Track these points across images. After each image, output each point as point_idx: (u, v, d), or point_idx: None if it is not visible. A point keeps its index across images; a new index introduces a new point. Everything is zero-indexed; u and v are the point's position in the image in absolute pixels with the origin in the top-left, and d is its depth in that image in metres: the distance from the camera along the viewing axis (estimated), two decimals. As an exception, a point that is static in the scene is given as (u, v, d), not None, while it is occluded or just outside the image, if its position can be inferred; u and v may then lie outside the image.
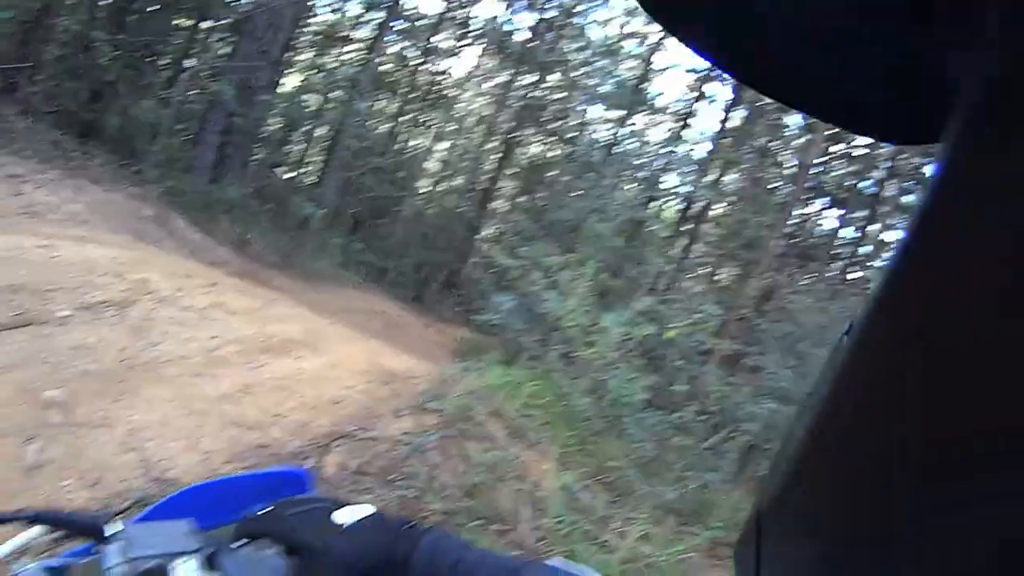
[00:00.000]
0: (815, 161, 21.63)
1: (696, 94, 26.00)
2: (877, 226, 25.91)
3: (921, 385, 0.34)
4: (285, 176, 24.88)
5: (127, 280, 7.66)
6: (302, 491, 1.40)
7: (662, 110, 27.32)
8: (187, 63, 17.76)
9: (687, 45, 0.56)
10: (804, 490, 0.46)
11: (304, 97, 25.29)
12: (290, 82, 24.65)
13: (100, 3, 15.05)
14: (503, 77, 28.32)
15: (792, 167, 24.31)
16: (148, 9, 16.73)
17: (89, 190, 12.09)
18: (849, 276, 23.07)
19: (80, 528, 1.11)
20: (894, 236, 27.28)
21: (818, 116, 0.57)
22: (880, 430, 0.38)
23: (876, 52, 0.47)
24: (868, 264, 24.68)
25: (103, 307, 6.71)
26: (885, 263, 0.40)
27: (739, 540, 0.58)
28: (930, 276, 0.36)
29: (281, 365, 7.42)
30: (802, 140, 25.11)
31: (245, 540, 1.17)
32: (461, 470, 6.61)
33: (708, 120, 26.02)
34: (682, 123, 25.96)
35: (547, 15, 26.79)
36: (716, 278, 25.08)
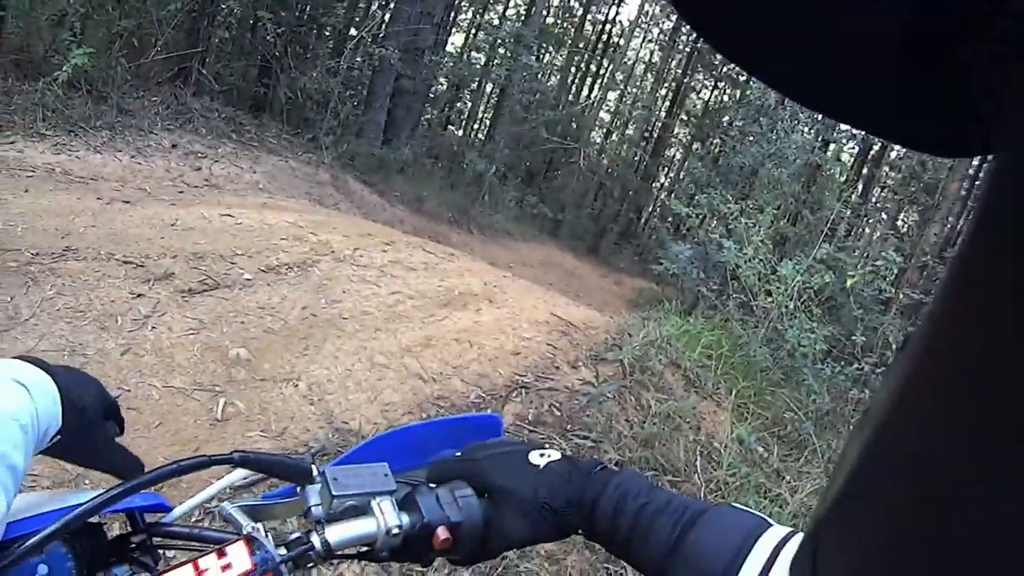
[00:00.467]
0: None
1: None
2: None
3: (995, 401, 0.33)
4: (457, 134, 25.17)
5: (306, 242, 7.93)
6: (495, 436, 1.43)
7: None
8: (352, 32, 18.11)
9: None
10: (860, 505, 0.44)
11: (471, 55, 25.51)
12: (455, 41, 24.90)
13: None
14: (670, 23, 27.80)
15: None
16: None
17: (265, 160, 12.55)
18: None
19: (284, 470, 1.17)
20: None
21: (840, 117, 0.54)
22: (945, 445, 0.37)
23: (919, 56, 0.45)
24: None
25: (285, 269, 6.98)
26: (942, 277, 0.38)
27: (794, 558, 0.56)
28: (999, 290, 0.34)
29: (460, 318, 7.52)
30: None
31: (438, 482, 1.21)
32: (637, 420, 6.57)
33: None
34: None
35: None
36: (897, 223, 24.09)
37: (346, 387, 5.38)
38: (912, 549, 0.38)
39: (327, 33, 18.22)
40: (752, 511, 1.11)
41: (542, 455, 1.24)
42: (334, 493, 1.13)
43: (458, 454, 1.25)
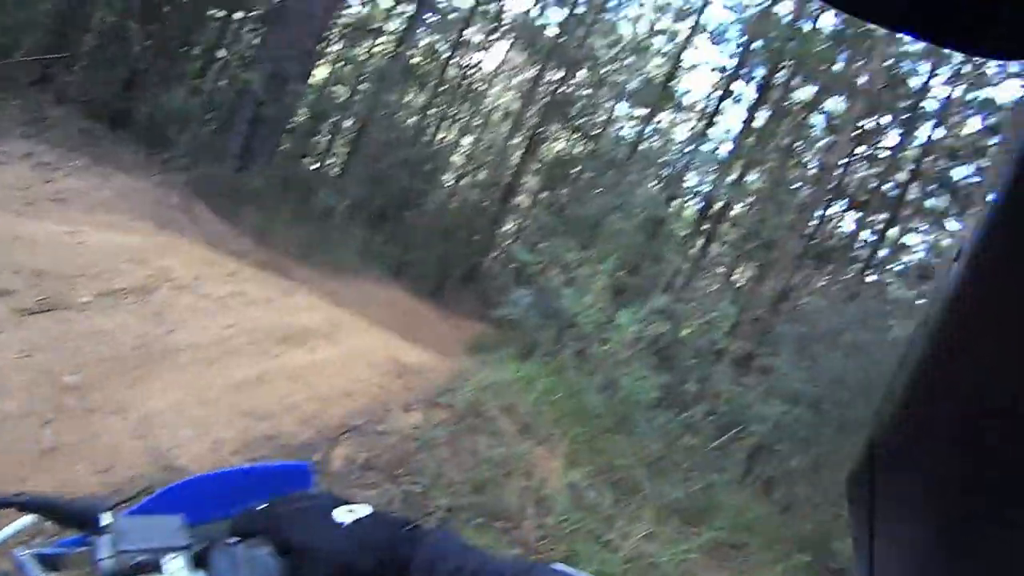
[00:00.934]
0: (839, 163, 21.56)
1: (722, 92, 25.97)
2: (896, 229, 25.71)
3: None
4: (311, 167, 24.99)
5: (149, 267, 7.79)
6: (304, 486, 1.39)
7: (688, 108, 27.32)
8: (219, 53, 17.91)
9: None
10: (920, 417, 0.47)
11: (333, 88, 25.42)
12: (320, 73, 24.76)
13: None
14: (531, 72, 28.34)
15: (815, 168, 24.23)
16: (182, 1, 16.87)
17: (117, 178, 12.23)
18: (867, 279, 22.89)
19: (72, 517, 1.11)
20: (914, 239, 27.13)
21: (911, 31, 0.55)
22: (1003, 353, 0.38)
23: None
24: (886, 267, 24.47)
25: (124, 294, 6.84)
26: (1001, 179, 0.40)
27: (851, 473, 0.59)
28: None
29: (296, 355, 7.51)
30: (826, 141, 25.07)
31: (239, 537, 1.15)
32: (469, 465, 6.66)
33: (732, 119, 26.04)
34: (707, 122, 25.91)
35: (577, 10, 26.82)
36: (733, 278, 25.01)
37: (176, 422, 5.30)
38: (977, 457, 0.40)
39: (196, 52, 17.94)
40: (573, 573, 1.08)
41: (350, 511, 1.16)
42: (121, 548, 1.06)
43: (264, 507, 1.18)
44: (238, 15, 18.74)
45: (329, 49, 26.30)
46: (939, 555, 0.46)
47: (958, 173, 26.25)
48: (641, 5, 28.22)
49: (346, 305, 11.78)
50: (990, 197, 0.41)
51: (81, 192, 10.83)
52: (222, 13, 18.26)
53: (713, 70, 27.05)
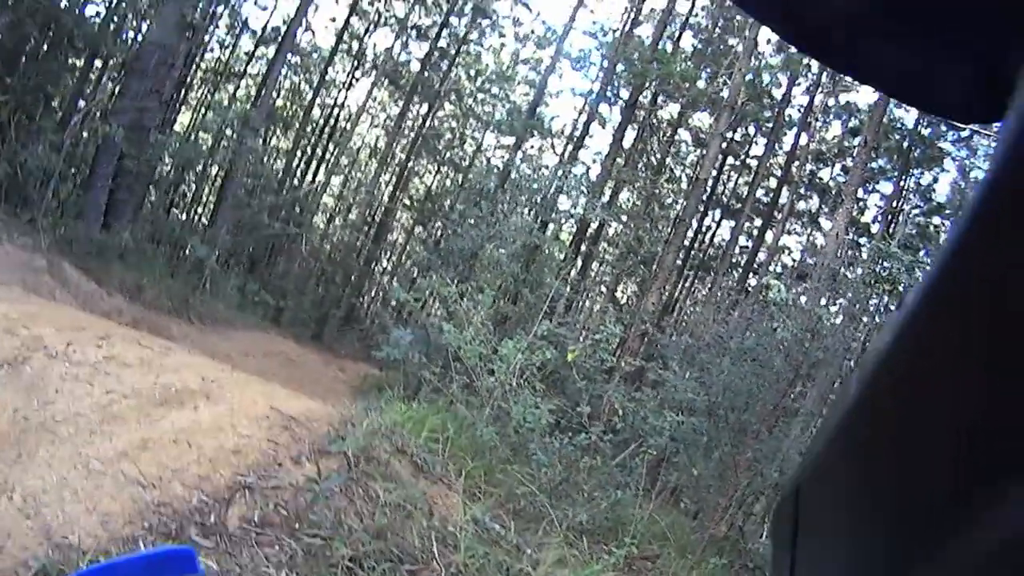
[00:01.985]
0: (710, 175, 22.21)
1: (587, 116, 26.46)
2: (771, 233, 26.62)
3: (985, 360, 0.36)
4: (180, 218, 24.51)
5: (18, 336, 7.53)
6: (191, 570, 1.32)
7: (556, 134, 27.76)
8: (79, 104, 17.45)
9: (748, 12, 0.59)
10: (849, 461, 0.48)
11: (197, 136, 25.03)
12: (183, 120, 24.39)
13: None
14: (397, 108, 28.40)
15: (687, 182, 24.93)
16: (38, 49, 16.38)
17: (-21, 242, 11.84)
18: (748, 284, 23.58)
19: None
20: (790, 240, 28.10)
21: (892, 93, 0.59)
22: (939, 401, 0.39)
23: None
24: (766, 270, 25.26)
25: (-4, 365, 6.62)
26: (942, 251, 0.41)
27: (775, 513, 0.60)
28: (995, 261, 0.37)
29: (178, 417, 7.33)
30: (695, 155, 25.84)
31: None
32: (368, 512, 6.59)
33: (601, 141, 26.69)
34: (576, 145, 26.37)
35: (440, 43, 27.04)
36: (615, 296, 25.43)
37: (63, 497, 5.14)
38: (903, 500, 0.41)
39: (54, 104, 17.40)
40: None
41: None
42: None
43: None
44: (97, 64, 18.28)
45: (191, 95, 25.94)
46: None
47: (825, 174, 27.42)
48: (503, 35, 28.61)
49: (226, 359, 11.57)
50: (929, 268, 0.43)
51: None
52: (80, 62, 17.79)
53: (578, 95, 27.58)
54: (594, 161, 26.08)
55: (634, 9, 26.31)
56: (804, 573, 0.56)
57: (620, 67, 24.58)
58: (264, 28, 27.03)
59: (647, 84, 23.71)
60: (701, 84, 23.48)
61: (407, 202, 27.65)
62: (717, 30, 26.05)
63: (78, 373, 7.39)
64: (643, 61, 23.06)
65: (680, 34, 26.43)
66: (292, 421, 8.15)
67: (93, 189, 16.94)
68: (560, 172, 18.88)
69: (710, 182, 22.65)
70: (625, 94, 25.10)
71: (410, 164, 27.38)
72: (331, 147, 28.21)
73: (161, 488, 5.78)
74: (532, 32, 28.34)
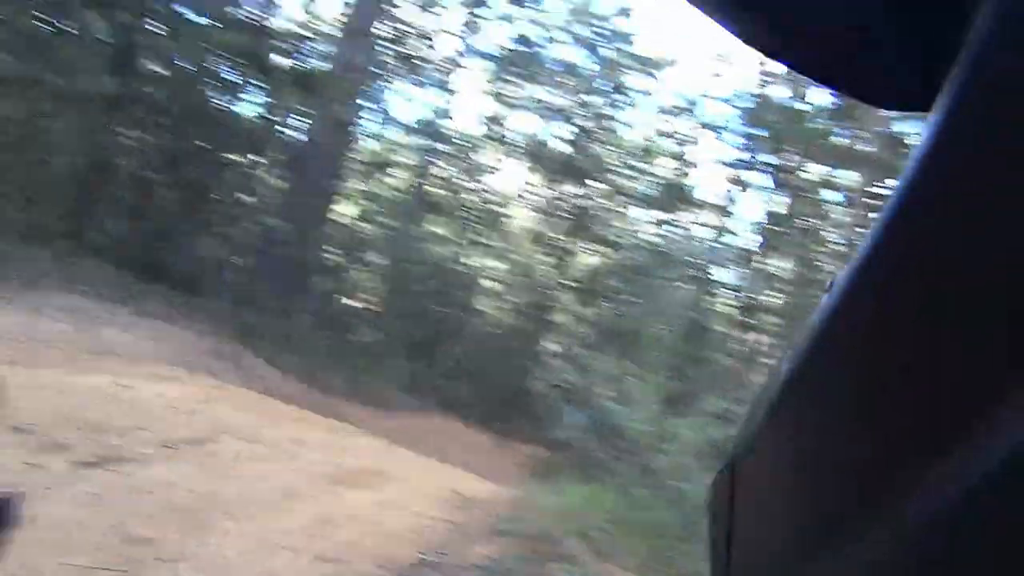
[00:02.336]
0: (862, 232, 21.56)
1: (733, 184, 26.13)
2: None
3: (910, 333, 0.38)
4: (347, 303, 25.21)
5: (202, 417, 7.79)
6: None
7: (702, 204, 27.47)
8: (244, 198, 18.25)
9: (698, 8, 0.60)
10: (780, 432, 0.49)
11: (359, 225, 25.81)
12: (343, 211, 25.19)
13: (157, 146, 15.63)
14: (547, 189, 28.70)
15: (840, 244, 24.25)
16: (202, 149, 17.26)
17: (158, 328, 12.36)
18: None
19: None
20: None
21: (817, 77, 0.61)
22: (864, 371, 0.41)
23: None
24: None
25: (181, 444, 6.82)
26: (874, 223, 0.44)
27: (712, 488, 0.61)
28: (923, 232, 0.39)
29: (356, 495, 7.40)
30: (844, 214, 25.15)
31: None
32: (547, 593, 6.47)
33: (748, 208, 26.37)
34: (725, 215, 26.02)
35: (580, 123, 27.36)
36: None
37: (250, 571, 5.21)
38: (836, 467, 0.42)
39: (220, 198, 18.26)
40: None
41: None
42: None
43: None
44: (258, 160, 19.16)
45: (347, 186, 26.90)
46: (794, 560, 0.47)
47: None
48: (642, 111, 28.71)
49: (399, 440, 11.70)
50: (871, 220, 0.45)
51: (124, 343, 10.93)
52: (242, 159, 18.64)
53: (724, 164, 27.33)
54: (744, 229, 25.65)
55: (768, 71, 26.09)
56: (741, 546, 0.56)
57: (760, 131, 24.30)
58: (413, 120, 27.97)
59: (788, 146, 23.33)
60: (841, 140, 22.88)
61: (566, 282, 27.69)
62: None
63: (259, 453, 7.58)
64: (782, 122, 22.76)
65: (805, 90, 25.97)
66: (468, 501, 8.12)
67: (262, 277, 17.58)
68: (710, 243, 18.66)
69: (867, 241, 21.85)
70: (768, 158, 24.76)
71: (564, 244, 27.49)
72: (487, 231, 28.60)
73: (344, 564, 5.76)
74: (670, 105, 28.42)
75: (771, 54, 0.62)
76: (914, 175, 0.39)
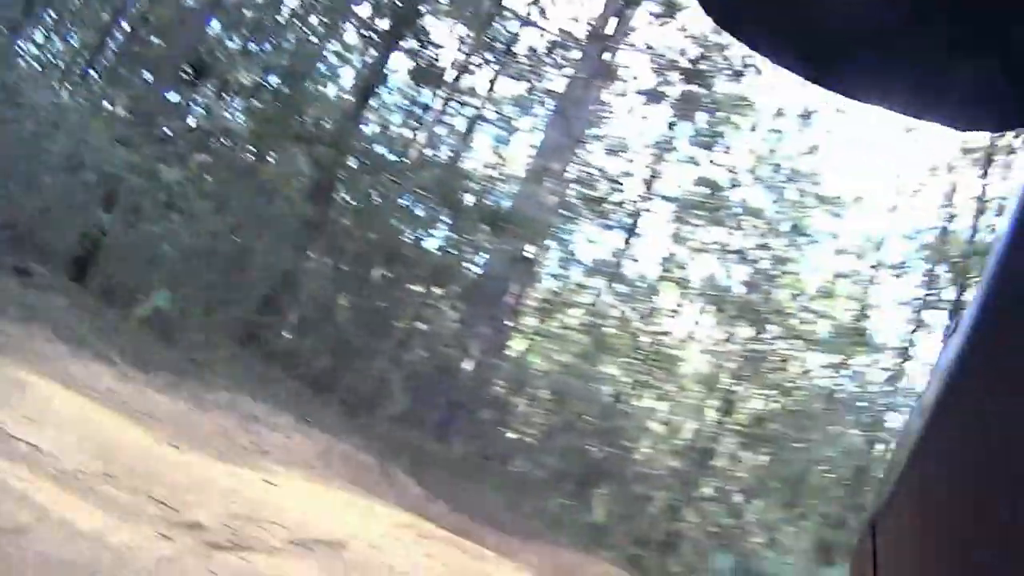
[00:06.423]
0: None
1: (914, 326, 25.12)
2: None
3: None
4: (509, 436, 25.35)
5: (341, 522, 7.99)
6: None
7: (881, 347, 26.42)
8: (420, 325, 18.84)
9: (752, 48, 0.57)
10: (916, 495, 0.48)
11: (530, 359, 26.10)
12: (516, 345, 25.58)
13: (345, 272, 16.45)
14: (721, 333, 28.35)
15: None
16: (386, 275, 17.99)
17: (317, 437, 12.74)
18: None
19: None
20: None
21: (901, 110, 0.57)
22: (986, 438, 0.39)
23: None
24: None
25: (315, 544, 7.02)
26: (987, 274, 0.41)
27: (856, 548, 0.61)
28: None
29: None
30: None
31: None
32: None
33: (929, 351, 25.03)
34: (903, 358, 24.92)
35: (760, 266, 27.05)
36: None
37: None
38: (968, 526, 0.40)
39: (398, 324, 18.90)
40: None
41: None
42: None
43: None
44: (438, 291, 19.80)
45: (524, 322, 27.34)
46: None
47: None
48: (824, 251, 28.17)
49: (542, 573, 11.56)
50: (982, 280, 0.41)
51: (282, 447, 11.33)
52: (423, 288, 19.30)
53: (902, 304, 26.32)
54: (924, 373, 24.39)
55: (947, 202, 25.20)
56: None
57: (942, 268, 23.36)
58: (594, 261, 28.33)
59: (969, 282, 22.27)
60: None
61: (732, 426, 27.03)
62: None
63: (394, 564, 7.70)
64: (964, 256, 21.84)
65: (991, 226, 24.75)
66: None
67: (429, 402, 17.97)
68: (886, 387, 17.92)
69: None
70: (949, 295, 23.67)
71: (735, 388, 26.93)
72: (657, 373, 28.36)
73: None
74: (853, 244, 27.79)
75: (858, 98, 0.58)
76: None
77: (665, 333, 28.84)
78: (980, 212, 23.73)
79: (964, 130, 0.53)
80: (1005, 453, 0.36)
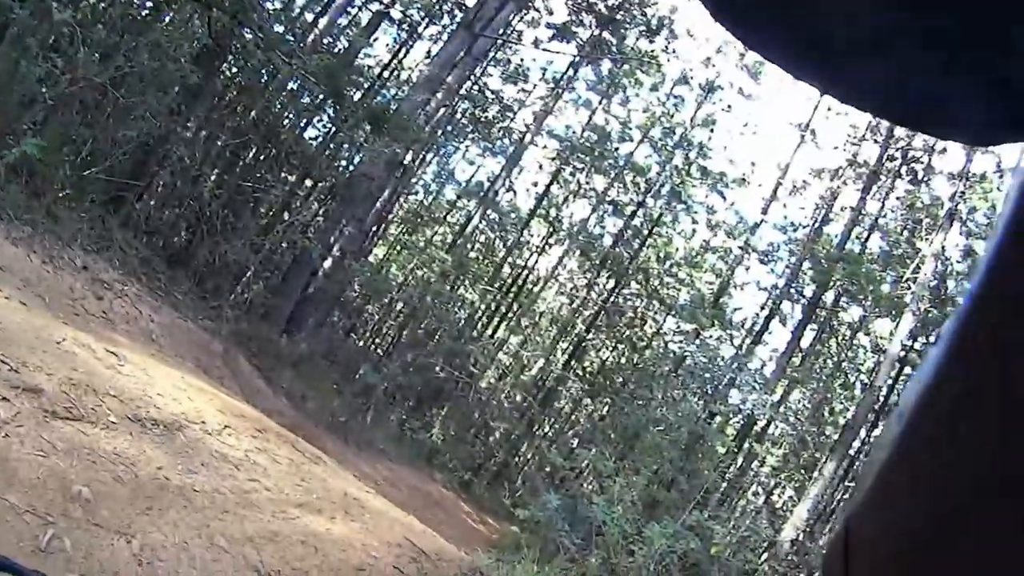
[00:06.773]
0: (884, 382, 21.29)
1: (769, 311, 26.11)
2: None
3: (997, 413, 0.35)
4: (356, 342, 25.18)
5: (180, 404, 7.70)
6: None
7: (736, 326, 27.40)
8: (284, 215, 18.37)
9: (760, 54, 0.53)
10: (892, 491, 0.46)
11: (389, 270, 25.91)
12: (378, 252, 25.34)
13: (216, 142, 15.88)
14: (584, 279, 28.75)
15: (860, 388, 24.02)
16: (258, 157, 17.45)
17: (166, 312, 12.35)
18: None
19: None
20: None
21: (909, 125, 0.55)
22: (959, 447, 0.38)
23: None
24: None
25: (151, 424, 6.72)
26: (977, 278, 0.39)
27: (827, 550, 0.56)
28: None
29: (312, 521, 7.28)
30: (872, 361, 24.91)
31: None
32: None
33: (779, 338, 26.26)
34: (753, 340, 25.92)
35: (634, 222, 27.45)
36: (771, 498, 24.43)
37: (179, 559, 5.10)
38: (934, 543, 0.40)
39: (261, 211, 18.40)
40: None
41: None
42: None
43: None
44: (307, 183, 19.35)
45: (390, 231, 27.06)
46: None
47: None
48: (695, 221, 28.90)
49: (371, 483, 11.56)
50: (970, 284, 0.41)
51: (129, 317, 10.90)
52: (292, 178, 18.81)
53: (762, 289, 27.34)
54: (770, 358, 25.54)
55: (825, 206, 26.25)
56: None
57: (807, 264, 24.39)
58: (468, 181, 28.26)
59: (831, 284, 23.41)
60: (885, 288, 22.81)
61: (579, 373, 27.53)
62: (904, 232, 25.31)
63: (228, 453, 7.47)
64: (829, 260, 22.85)
65: (868, 235, 25.97)
66: (422, 555, 7.98)
67: (282, 295, 17.64)
68: (735, 365, 18.54)
69: (884, 390, 21.57)
70: (809, 292, 24.80)
71: (589, 336, 27.40)
72: (515, 307, 28.59)
73: (278, 582, 5.64)
74: (724, 221, 28.56)
75: (851, 103, 0.55)
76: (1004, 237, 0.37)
77: (528, 268, 29.09)
78: (854, 223, 24.73)
79: (973, 144, 0.50)
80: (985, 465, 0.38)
